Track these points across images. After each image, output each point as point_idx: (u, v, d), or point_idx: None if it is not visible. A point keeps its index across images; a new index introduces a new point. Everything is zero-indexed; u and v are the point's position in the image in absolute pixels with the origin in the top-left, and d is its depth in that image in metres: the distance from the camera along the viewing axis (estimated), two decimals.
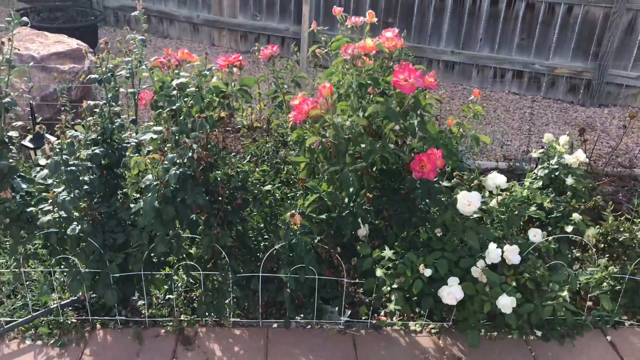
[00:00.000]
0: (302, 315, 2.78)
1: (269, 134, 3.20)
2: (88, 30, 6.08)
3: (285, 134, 3.13)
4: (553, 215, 2.81)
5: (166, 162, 2.22)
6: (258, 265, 2.70)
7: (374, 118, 2.17)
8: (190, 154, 2.21)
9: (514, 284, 2.36)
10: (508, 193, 2.69)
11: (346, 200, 2.38)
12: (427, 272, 2.32)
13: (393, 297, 2.40)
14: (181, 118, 2.34)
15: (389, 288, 2.40)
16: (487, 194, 2.69)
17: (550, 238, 2.67)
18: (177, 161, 2.20)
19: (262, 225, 2.75)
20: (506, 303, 2.28)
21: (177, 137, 2.33)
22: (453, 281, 2.33)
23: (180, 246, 2.49)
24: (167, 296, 2.83)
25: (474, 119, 2.59)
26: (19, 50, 4.48)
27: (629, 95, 5.71)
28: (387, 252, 2.38)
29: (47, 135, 3.55)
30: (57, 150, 2.13)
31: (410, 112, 2.18)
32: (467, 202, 2.29)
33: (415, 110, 2.21)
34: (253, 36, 6.88)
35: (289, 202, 2.68)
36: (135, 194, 2.67)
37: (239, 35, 6.94)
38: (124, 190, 2.64)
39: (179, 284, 2.87)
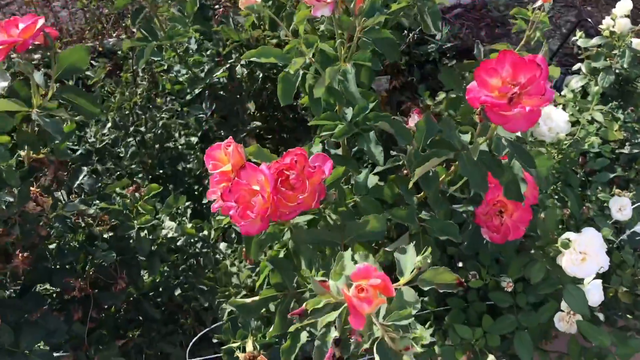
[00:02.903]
0: None
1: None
2: None
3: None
4: (624, 151, 1.77)
5: None
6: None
7: None
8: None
9: None
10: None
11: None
12: None
13: None
14: None
15: None
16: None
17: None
18: None
19: (157, 281, 1.52)
20: None
21: None
22: None
23: None
24: None
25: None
26: None
27: None
28: (422, 331, 1.28)
29: None
30: None
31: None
32: (582, 255, 1.17)
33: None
34: None
35: (210, 249, 1.45)
36: None
37: None
38: None
39: None
